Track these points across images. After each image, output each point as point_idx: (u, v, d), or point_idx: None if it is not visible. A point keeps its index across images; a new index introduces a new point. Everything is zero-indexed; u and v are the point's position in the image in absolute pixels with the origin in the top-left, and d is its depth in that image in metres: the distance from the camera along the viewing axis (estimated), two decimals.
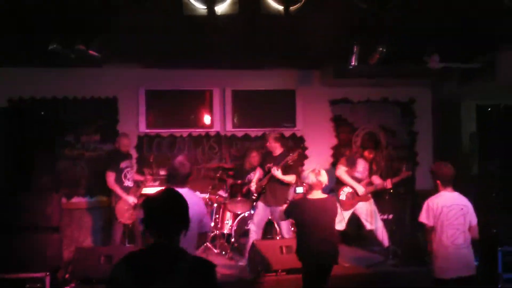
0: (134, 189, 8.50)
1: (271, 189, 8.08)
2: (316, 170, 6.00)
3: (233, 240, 8.85)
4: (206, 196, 9.37)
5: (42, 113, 8.27)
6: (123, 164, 8.47)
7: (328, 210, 5.95)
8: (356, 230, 9.74)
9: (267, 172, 8.12)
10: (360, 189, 8.41)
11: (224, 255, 8.78)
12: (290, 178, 7.99)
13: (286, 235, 8.07)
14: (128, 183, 8.48)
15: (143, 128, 9.83)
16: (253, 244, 7.61)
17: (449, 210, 5.57)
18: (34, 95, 9.45)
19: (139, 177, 8.79)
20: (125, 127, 9.75)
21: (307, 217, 5.87)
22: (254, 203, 8.37)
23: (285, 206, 7.61)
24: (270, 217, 8.35)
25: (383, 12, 4.63)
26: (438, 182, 5.77)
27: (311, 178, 5.92)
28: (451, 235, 5.51)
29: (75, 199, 9.58)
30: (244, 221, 8.83)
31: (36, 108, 9.16)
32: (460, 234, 5.57)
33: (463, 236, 5.58)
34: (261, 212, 8.17)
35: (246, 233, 8.72)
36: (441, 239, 5.58)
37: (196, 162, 10.08)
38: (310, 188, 5.98)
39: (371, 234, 8.68)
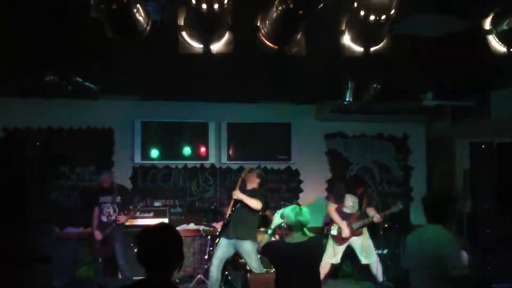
0: (103, 226, 8.46)
1: (235, 220, 7.60)
2: (297, 208, 5.23)
3: (226, 273, 8.81)
4: (201, 228, 9.37)
5: (38, 143, 8.28)
6: (101, 199, 8.58)
7: (310, 255, 5.18)
8: (350, 264, 9.74)
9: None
10: (345, 231, 8.40)
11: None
12: (255, 202, 7.50)
13: (257, 270, 7.60)
14: (103, 218, 8.51)
15: (138, 160, 9.85)
16: (246, 278, 7.53)
17: None
18: (30, 125, 9.49)
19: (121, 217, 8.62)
20: (121, 158, 9.81)
21: (284, 264, 5.15)
22: (217, 240, 7.93)
23: (251, 242, 7.53)
24: (235, 253, 7.96)
25: (370, 55, 4.70)
26: None
27: (290, 217, 5.15)
28: None
29: (69, 229, 9.56)
30: (239, 254, 8.77)
31: (31, 138, 9.18)
32: None
33: None
34: (224, 248, 7.69)
35: (237, 265, 8.70)
36: None
37: (191, 194, 10.12)
38: (289, 229, 5.27)
39: (366, 268, 8.66)
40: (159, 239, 3.10)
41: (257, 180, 7.86)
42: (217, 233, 8.04)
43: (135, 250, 3.13)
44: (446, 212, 4.75)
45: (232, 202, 7.72)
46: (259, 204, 7.59)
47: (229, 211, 7.73)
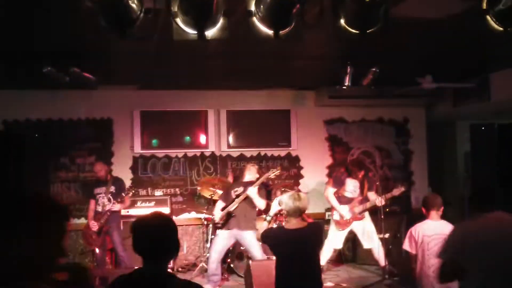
0: (98, 216, 8.51)
1: (240, 213, 7.80)
2: (295, 194, 5.22)
3: (229, 260, 8.83)
4: (202, 216, 9.37)
5: (36, 135, 8.28)
6: (96, 190, 8.64)
7: (309, 240, 5.13)
8: (352, 249, 9.75)
9: (235, 198, 7.93)
10: (345, 213, 8.39)
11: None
12: (262, 204, 7.75)
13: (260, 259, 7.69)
14: (99, 208, 8.58)
15: (138, 149, 9.84)
16: (248, 265, 7.52)
17: (430, 240, 5.55)
18: (29, 117, 9.47)
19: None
20: (120, 148, 9.81)
21: (283, 250, 5.12)
22: (217, 231, 8.11)
23: (252, 232, 7.58)
24: (232, 244, 8.26)
25: (367, 37, 4.65)
26: (423, 208, 5.88)
27: (288, 203, 5.13)
28: (432, 265, 5.41)
29: (70, 221, 9.53)
30: (240, 244, 8.78)
31: (31, 130, 9.17)
32: None
33: None
34: (224, 240, 7.89)
35: (242, 254, 8.72)
36: (422, 268, 5.57)
37: (192, 182, 10.11)
38: (288, 215, 5.22)
39: (368, 253, 8.66)
40: (153, 229, 3.10)
41: (257, 175, 8.04)
42: (218, 225, 8.04)
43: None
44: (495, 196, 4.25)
45: (243, 197, 7.82)
46: (265, 205, 7.80)
47: (235, 205, 7.84)
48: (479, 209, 4.04)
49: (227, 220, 7.86)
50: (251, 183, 7.86)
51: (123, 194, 8.53)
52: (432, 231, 5.61)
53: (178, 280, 3.06)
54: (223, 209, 7.96)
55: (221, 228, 7.94)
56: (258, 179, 7.92)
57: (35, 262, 1.99)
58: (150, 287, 2.98)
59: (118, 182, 8.80)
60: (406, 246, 5.81)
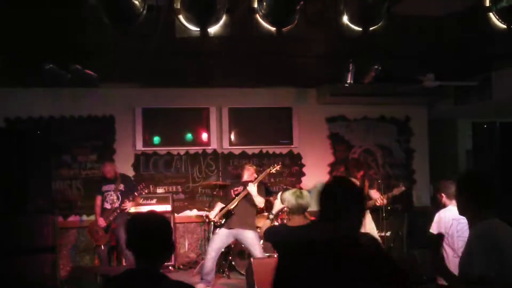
0: (107, 213, 8.55)
1: (240, 212, 7.85)
2: (297, 191, 5.16)
3: (230, 258, 8.83)
4: (204, 214, 9.36)
5: (38, 132, 8.26)
6: (104, 188, 8.70)
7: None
8: None
9: (234, 196, 8.00)
10: None
11: (221, 273, 8.74)
12: (260, 199, 7.76)
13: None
14: (107, 205, 8.64)
15: (140, 147, 9.83)
16: (249, 263, 7.50)
17: (458, 223, 5.66)
18: (31, 115, 9.45)
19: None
20: (122, 146, 9.79)
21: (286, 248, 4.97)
22: (216, 230, 8.12)
23: (253, 231, 7.55)
24: (232, 242, 8.30)
25: (369, 35, 4.64)
26: (444, 195, 5.99)
27: (290, 201, 5.05)
28: (461, 246, 5.55)
29: (72, 218, 9.56)
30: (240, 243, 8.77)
31: (33, 127, 9.16)
32: None
33: None
34: (223, 238, 7.90)
35: (243, 252, 8.72)
36: (451, 249, 5.72)
37: (194, 180, 10.11)
38: (291, 212, 5.18)
39: None
40: (147, 227, 3.06)
41: (255, 175, 8.18)
42: (217, 224, 8.05)
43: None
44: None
45: (243, 194, 7.87)
46: (263, 203, 7.86)
47: (235, 203, 7.88)
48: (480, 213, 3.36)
49: (227, 219, 7.88)
50: (250, 182, 7.90)
51: (135, 193, 8.57)
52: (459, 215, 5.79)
53: (170, 280, 3.04)
54: (221, 210, 8.01)
55: (220, 227, 7.96)
56: (257, 176, 8.01)
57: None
58: (140, 286, 2.97)
59: (127, 180, 8.88)
60: (433, 229, 5.93)
